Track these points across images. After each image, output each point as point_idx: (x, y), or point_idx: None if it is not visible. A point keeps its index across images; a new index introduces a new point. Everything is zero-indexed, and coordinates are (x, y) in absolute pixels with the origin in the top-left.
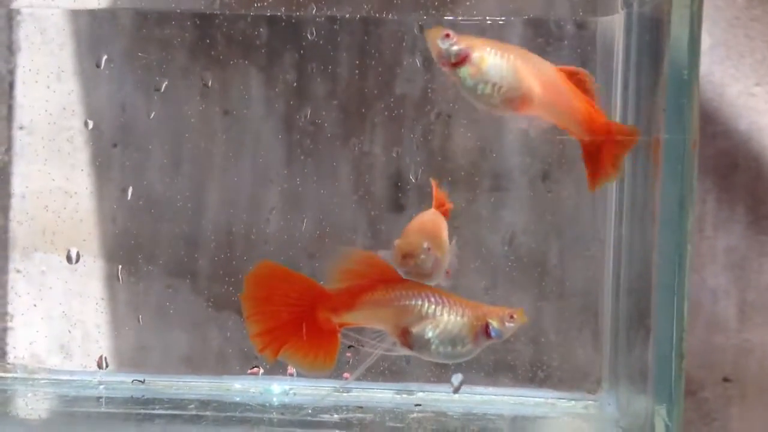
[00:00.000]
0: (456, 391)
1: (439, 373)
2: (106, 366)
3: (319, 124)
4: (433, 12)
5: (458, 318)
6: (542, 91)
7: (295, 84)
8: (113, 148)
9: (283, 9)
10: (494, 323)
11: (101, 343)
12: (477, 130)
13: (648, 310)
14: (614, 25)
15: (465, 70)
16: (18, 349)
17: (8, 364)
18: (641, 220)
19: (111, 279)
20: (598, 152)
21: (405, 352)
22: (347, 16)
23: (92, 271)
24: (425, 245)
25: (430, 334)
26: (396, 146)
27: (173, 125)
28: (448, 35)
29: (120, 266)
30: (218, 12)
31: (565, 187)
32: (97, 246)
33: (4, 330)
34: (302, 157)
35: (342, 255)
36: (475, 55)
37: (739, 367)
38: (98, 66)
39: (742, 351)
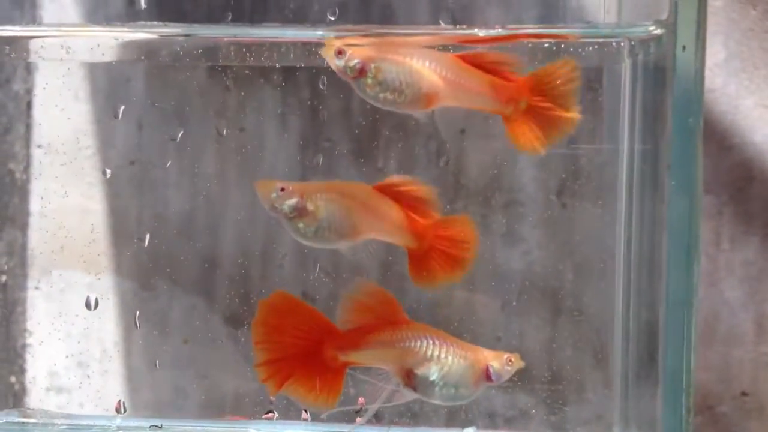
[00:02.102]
0: None
1: (453, 420)
2: (125, 411)
3: (334, 141)
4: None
5: (461, 361)
6: (443, 84)
7: (309, 102)
8: (131, 166)
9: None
10: (495, 366)
11: (118, 361)
12: (491, 144)
13: (657, 356)
14: (620, 74)
15: (363, 82)
16: (37, 366)
17: (28, 409)
18: (649, 264)
19: (128, 296)
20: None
21: (409, 393)
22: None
23: (110, 288)
24: (279, 186)
25: (434, 376)
26: (410, 163)
27: (190, 143)
28: (341, 51)
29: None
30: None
31: (579, 202)
32: (114, 263)
33: (23, 346)
34: (317, 175)
35: (356, 286)
36: (371, 66)
37: (757, 380)
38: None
39: (759, 365)
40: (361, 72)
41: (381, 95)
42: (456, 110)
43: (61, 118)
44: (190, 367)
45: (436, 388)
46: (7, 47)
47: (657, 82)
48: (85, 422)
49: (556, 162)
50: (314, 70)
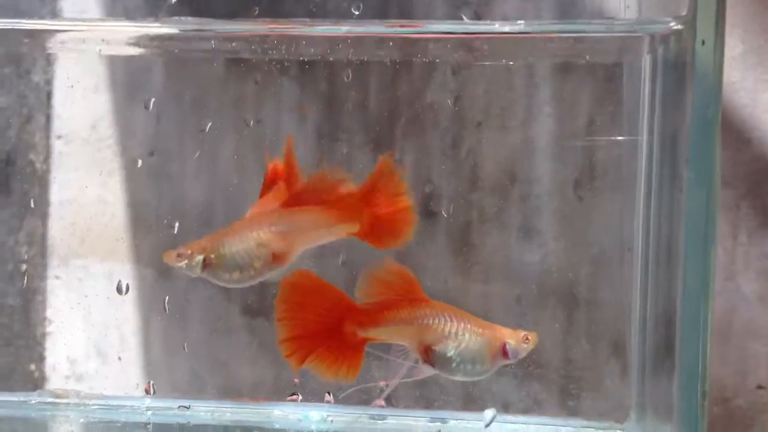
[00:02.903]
0: (488, 425)
1: (472, 404)
2: (154, 392)
3: (350, 132)
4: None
5: (478, 338)
6: (284, 237)
7: (326, 93)
8: (149, 157)
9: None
10: (512, 343)
11: (136, 350)
12: (507, 137)
13: (673, 344)
14: (640, 69)
15: (211, 274)
16: (56, 354)
17: (60, 389)
18: (667, 254)
19: (146, 286)
20: (375, 224)
21: (427, 369)
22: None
23: (129, 277)
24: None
25: (452, 353)
26: (426, 156)
27: (207, 135)
28: (179, 255)
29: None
30: None
31: (596, 195)
32: (133, 253)
33: (43, 335)
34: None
35: (376, 263)
36: (211, 256)
37: None
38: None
39: None
40: (207, 264)
41: (235, 275)
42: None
43: (81, 108)
44: (209, 355)
45: (454, 364)
46: (27, 39)
47: (676, 76)
48: (116, 402)
49: (573, 155)
50: (333, 64)
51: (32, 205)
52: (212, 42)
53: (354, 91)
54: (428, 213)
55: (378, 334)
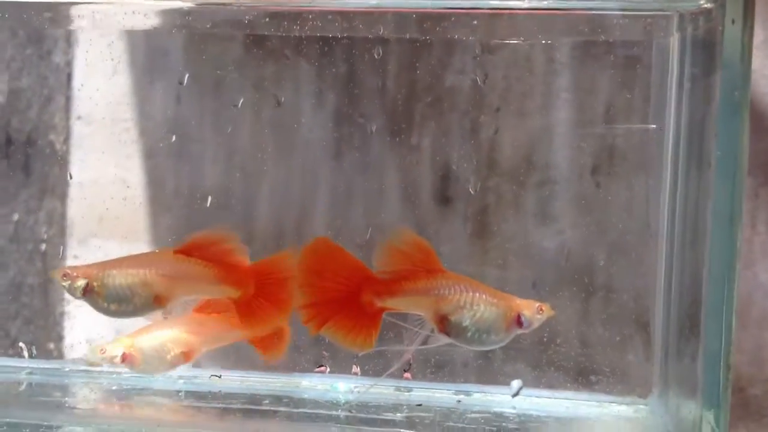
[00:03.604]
0: (515, 395)
1: (497, 376)
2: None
3: (368, 117)
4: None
5: (493, 308)
6: (169, 282)
7: (345, 77)
8: (170, 139)
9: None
10: (526, 314)
11: None
12: (526, 122)
13: (698, 319)
14: (669, 48)
15: (90, 300)
16: (74, 334)
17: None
18: (693, 231)
19: None
20: (253, 301)
21: (443, 338)
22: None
23: None
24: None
25: (467, 322)
26: (444, 139)
27: (227, 117)
28: (65, 275)
29: None
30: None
31: (614, 180)
32: (151, 234)
33: (62, 314)
34: (350, 150)
35: (394, 232)
36: (95, 284)
37: None
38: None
39: None
40: (88, 290)
41: (112, 306)
42: None
43: (101, 90)
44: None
45: (469, 334)
46: (47, 13)
47: (705, 55)
48: None
49: (592, 141)
50: (351, 44)
51: (52, 186)
52: (231, 21)
53: (373, 74)
54: (445, 198)
55: (395, 303)
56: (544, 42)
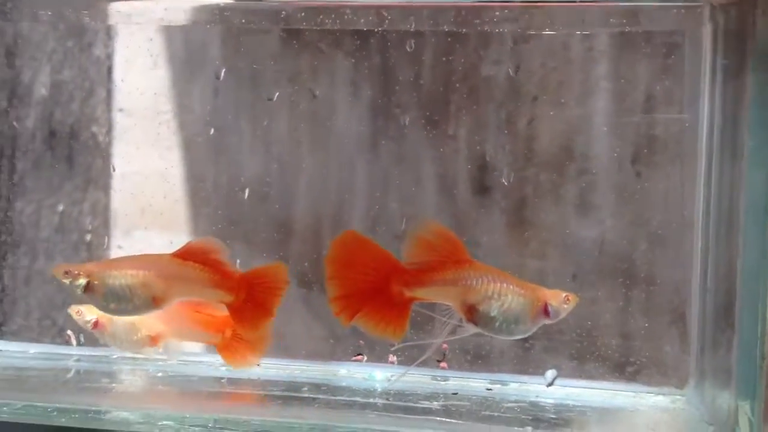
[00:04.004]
0: (550, 385)
1: (533, 366)
2: None
3: (404, 107)
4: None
5: (520, 298)
6: (167, 283)
7: (381, 68)
8: (208, 132)
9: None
10: (553, 304)
11: None
12: (564, 111)
13: (733, 310)
14: (701, 37)
15: (90, 297)
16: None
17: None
18: (728, 222)
19: None
20: (246, 305)
21: (471, 328)
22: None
23: None
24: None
25: (494, 312)
26: (481, 130)
27: (264, 109)
28: (68, 272)
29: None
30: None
31: (654, 171)
32: (191, 225)
33: None
34: (387, 141)
35: (421, 224)
36: (95, 283)
37: None
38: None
39: None
40: (88, 287)
41: (112, 305)
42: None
43: (141, 82)
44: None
45: (497, 324)
46: (85, 11)
47: (737, 46)
48: (192, 358)
49: (632, 130)
50: (387, 36)
51: (95, 177)
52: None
53: (409, 64)
54: (483, 188)
55: (424, 294)
56: (579, 33)
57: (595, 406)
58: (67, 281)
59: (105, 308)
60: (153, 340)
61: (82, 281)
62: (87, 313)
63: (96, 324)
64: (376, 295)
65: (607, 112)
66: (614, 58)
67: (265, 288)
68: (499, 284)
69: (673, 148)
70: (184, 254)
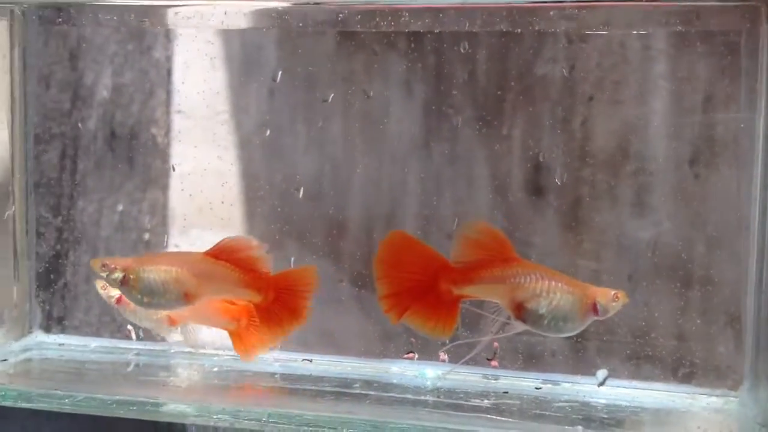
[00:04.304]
0: (601, 385)
1: (585, 367)
2: (281, 346)
3: (457, 107)
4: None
5: (568, 295)
6: (199, 281)
7: (434, 68)
8: (264, 132)
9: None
10: (601, 301)
11: None
12: (620, 110)
13: None
14: (759, 36)
15: (125, 290)
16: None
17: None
18: None
19: None
20: (273, 306)
21: (519, 325)
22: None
23: None
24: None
25: (543, 310)
26: (536, 129)
27: (319, 110)
28: (105, 265)
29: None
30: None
31: (713, 172)
32: (247, 225)
33: None
34: (440, 141)
35: (468, 224)
36: (131, 277)
37: None
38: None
39: None
40: (124, 281)
41: (145, 299)
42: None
43: (199, 84)
44: (316, 326)
45: (545, 321)
46: (146, 19)
47: None
48: None
49: (691, 130)
50: (440, 37)
51: (154, 177)
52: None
53: (462, 63)
54: (537, 189)
55: (472, 291)
56: (635, 32)
57: (648, 406)
58: (104, 274)
59: (138, 302)
60: (172, 320)
61: (119, 275)
62: (112, 289)
63: (119, 300)
64: (424, 293)
65: (664, 112)
66: (672, 57)
67: (294, 291)
68: (547, 282)
69: (731, 149)
70: (217, 252)
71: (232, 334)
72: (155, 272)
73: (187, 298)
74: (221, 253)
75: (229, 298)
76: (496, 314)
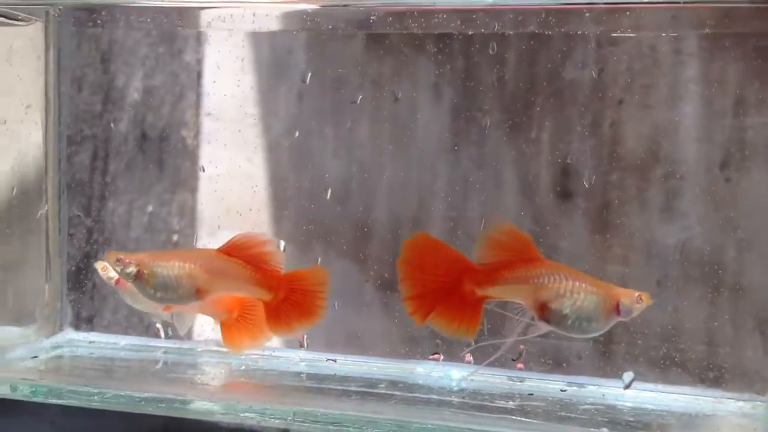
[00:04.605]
0: (627, 387)
1: (612, 370)
2: (307, 346)
3: (486, 110)
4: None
5: (592, 296)
6: (211, 277)
7: (463, 71)
8: (293, 135)
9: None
10: (625, 302)
11: None
12: (651, 114)
13: None
14: None
15: (138, 285)
16: (200, 319)
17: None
18: None
19: (287, 258)
20: (283, 305)
21: (543, 326)
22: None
23: None
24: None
25: (567, 310)
26: (565, 133)
27: (347, 112)
28: (119, 260)
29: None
30: None
31: (744, 176)
32: (274, 227)
33: None
34: (468, 144)
35: (491, 224)
36: (145, 272)
37: None
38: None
39: None
40: (138, 275)
41: (158, 294)
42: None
43: (228, 87)
44: (342, 327)
45: (569, 322)
46: (179, 21)
47: None
48: (274, 353)
49: (721, 133)
50: (469, 39)
51: (183, 179)
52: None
53: (491, 66)
54: (566, 192)
55: (495, 292)
56: (665, 35)
57: (674, 410)
58: (118, 268)
59: (151, 296)
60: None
61: (133, 269)
62: (111, 270)
63: (118, 281)
64: (448, 294)
65: (694, 116)
66: (703, 60)
67: (303, 291)
68: (571, 282)
69: (762, 152)
70: (230, 249)
71: (222, 324)
72: (168, 268)
73: (198, 293)
74: (234, 250)
75: (240, 295)
76: (520, 315)
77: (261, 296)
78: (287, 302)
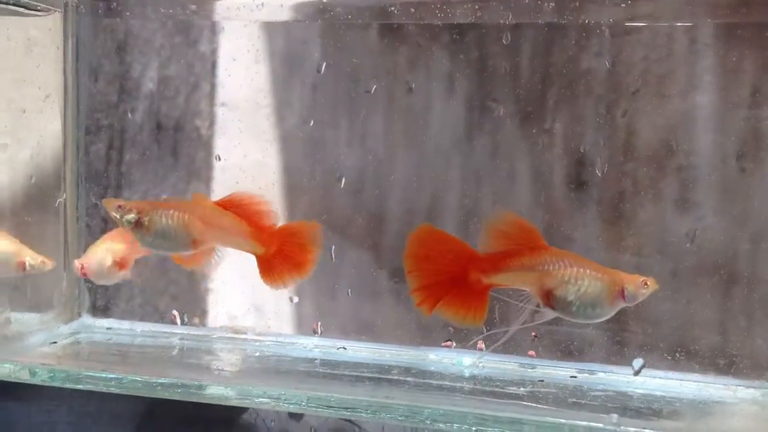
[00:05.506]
0: (637, 374)
1: (624, 358)
2: (321, 332)
3: (500, 100)
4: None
5: (597, 282)
6: (206, 228)
7: (477, 61)
8: (307, 125)
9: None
10: (630, 288)
11: (289, 309)
12: (665, 105)
13: None
14: None
15: (138, 233)
16: (217, 309)
17: (240, 326)
18: None
19: None
20: (274, 258)
21: (549, 312)
22: None
23: None
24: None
25: (572, 297)
26: (578, 123)
27: (361, 102)
28: (120, 206)
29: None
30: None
31: (760, 167)
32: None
33: (206, 290)
34: (482, 134)
35: (495, 214)
36: (145, 219)
37: None
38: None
39: None
40: (137, 223)
41: (156, 241)
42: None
43: (243, 78)
44: (355, 314)
45: (574, 308)
46: (193, 6)
47: None
48: (288, 340)
49: (737, 124)
50: (483, 30)
51: (197, 169)
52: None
53: (505, 57)
54: (579, 183)
55: (501, 280)
56: (680, 24)
57: (685, 397)
58: (117, 215)
59: (148, 243)
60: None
61: (133, 216)
62: (77, 260)
63: (82, 270)
64: (454, 284)
65: (710, 106)
66: (719, 50)
67: (295, 244)
68: (575, 269)
69: None
70: (226, 203)
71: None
72: (167, 216)
73: (194, 243)
74: (230, 205)
75: (232, 248)
76: (525, 302)
77: (254, 250)
78: (279, 255)
